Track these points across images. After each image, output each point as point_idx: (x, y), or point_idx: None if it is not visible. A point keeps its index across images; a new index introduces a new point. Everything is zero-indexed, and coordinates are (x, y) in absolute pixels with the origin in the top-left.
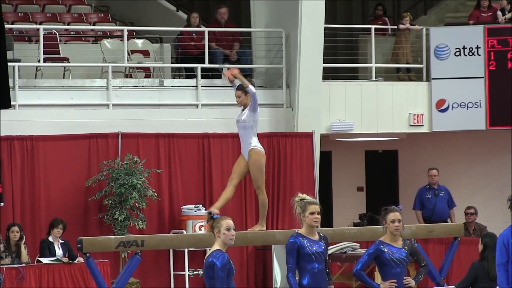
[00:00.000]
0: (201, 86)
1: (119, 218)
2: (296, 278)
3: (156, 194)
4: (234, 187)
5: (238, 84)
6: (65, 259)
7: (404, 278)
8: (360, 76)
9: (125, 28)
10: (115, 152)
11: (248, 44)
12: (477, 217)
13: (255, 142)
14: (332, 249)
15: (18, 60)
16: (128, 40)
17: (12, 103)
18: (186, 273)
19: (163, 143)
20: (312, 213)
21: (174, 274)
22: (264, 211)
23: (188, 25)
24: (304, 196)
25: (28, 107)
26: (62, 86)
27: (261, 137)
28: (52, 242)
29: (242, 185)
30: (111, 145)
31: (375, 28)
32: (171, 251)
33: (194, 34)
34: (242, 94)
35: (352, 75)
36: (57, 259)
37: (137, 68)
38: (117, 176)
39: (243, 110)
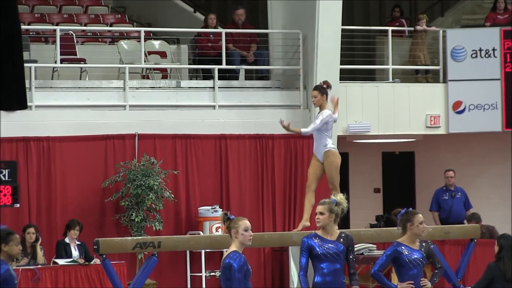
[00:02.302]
0: (218, 87)
1: (136, 219)
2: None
3: (173, 195)
4: (313, 192)
5: (316, 84)
6: (81, 260)
7: (421, 280)
8: (377, 77)
9: (142, 29)
10: (132, 153)
11: (265, 46)
12: (481, 222)
13: (330, 144)
14: None
15: (35, 61)
16: (145, 41)
17: (29, 104)
18: (203, 274)
19: (180, 144)
20: (316, 214)
21: (190, 276)
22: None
23: (205, 26)
24: (325, 200)
25: (44, 108)
26: (79, 87)
27: (278, 138)
28: (68, 243)
29: (259, 186)
30: (128, 146)
31: (392, 30)
32: (187, 252)
33: (211, 35)
34: (319, 94)
35: (369, 76)
36: (73, 261)
37: (154, 69)
38: (134, 177)
39: (319, 111)
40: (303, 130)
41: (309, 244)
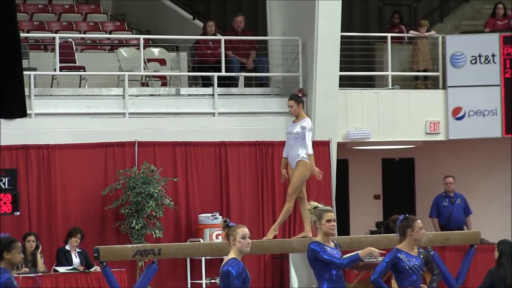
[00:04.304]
0: (218, 95)
1: (136, 227)
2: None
3: (173, 203)
4: (306, 200)
5: (291, 94)
6: (81, 268)
7: (421, 286)
8: (376, 84)
9: (141, 36)
10: (131, 160)
11: (264, 53)
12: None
13: (303, 154)
14: None
15: (34, 69)
16: (144, 48)
17: (28, 112)
18: (203, 281)
19: (180, 151)
20: (328, 221)
21: (191, 283)
22: (284, 218)
23: (204, 34)
24: (316, 204)
25: (44, 115)
26: (78, 95)
27: (278, 145)
28: (69, 250)
29: (259, 193)
30: (127, 153)
31: (391, 36)
32: (188, 259)
33: (210, 43)
34: (295, 104)
35: (368, 83)
36: (74, 268)
37: (154, 76)
38: (134, 184)
39: (294, 121)
40: (309, 154)
41: (325, 248)
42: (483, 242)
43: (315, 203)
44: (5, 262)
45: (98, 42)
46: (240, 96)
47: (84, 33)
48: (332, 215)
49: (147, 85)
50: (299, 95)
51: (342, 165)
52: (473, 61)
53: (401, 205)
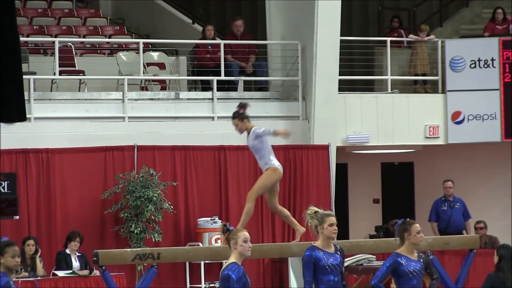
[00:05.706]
0: (217, 99)
1: (135, 231)
2: None
3: (172, 207)
4: (278, 205)
5: (233, 112)
6: (81, 272)
7: None
8: (376, 88)
9: (141, 40)
10: (131, 164)
11: (264, 57)
12: (487, 231)
13: (270, 161)
14: (348, 261)
15: (34, 73)
16: (143, 52)
17: (28, 116)
18: (202, 285)
19: (179, 155)
20: (331, 225)
21: (190, 287)
22: (246, 220)
23: (204, 38)
24: (316, 209)
25: (43, 120)
26: (78, 99)
27: (277, 149)
28: (69, 254)
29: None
30: (127, 157)
31: (391, 40)
32: (187, 263)
33: (209, 47)
34: (239, 122)
35: (368, 87)
36: (73, 272)
37: (153, 80)
38: (133, 188)
39: (248, 134)
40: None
41: (315, 257)
42: (495, 244)
43: (315, 208)
44: (2, 266)
45: (97, 46)
46: (239, 100)
47: (83, 37)
48: (334, 219)
49: (147, 89)
50: (240, 111)
51: (342, 169)
52: (473, 65)
53: (400, 209)
